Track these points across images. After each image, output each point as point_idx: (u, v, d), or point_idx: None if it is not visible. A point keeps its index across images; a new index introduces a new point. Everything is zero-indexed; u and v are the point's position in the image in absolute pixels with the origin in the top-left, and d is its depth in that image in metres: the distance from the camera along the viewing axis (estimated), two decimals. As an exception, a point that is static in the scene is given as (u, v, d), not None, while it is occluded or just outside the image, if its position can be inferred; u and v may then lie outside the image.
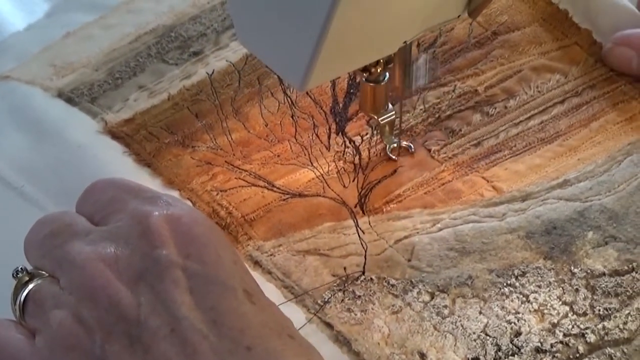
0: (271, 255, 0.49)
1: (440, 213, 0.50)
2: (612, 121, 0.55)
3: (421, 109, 0.56)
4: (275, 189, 0.52)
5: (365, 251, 0.48)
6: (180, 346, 0.37)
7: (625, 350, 0.43)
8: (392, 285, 0.47)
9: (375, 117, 0.50)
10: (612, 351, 0.43)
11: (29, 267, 0.43)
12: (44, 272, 0.42)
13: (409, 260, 0.48)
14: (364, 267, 0.48)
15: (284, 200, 0.52)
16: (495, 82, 0.58)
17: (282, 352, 0.38)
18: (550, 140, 0.54)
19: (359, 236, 0.49)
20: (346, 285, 0.47)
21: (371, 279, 0.47)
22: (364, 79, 0.48)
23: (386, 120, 0.51)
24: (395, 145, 0.52)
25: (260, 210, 0.51)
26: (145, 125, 0.57)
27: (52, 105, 0.59)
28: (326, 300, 0.46)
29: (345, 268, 0.47)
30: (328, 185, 0.52)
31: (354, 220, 0.50)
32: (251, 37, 0.44)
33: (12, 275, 0.42)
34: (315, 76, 0.40)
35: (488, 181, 0.52)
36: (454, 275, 0.47)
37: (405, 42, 0.44)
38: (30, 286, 0.41)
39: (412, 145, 0.52)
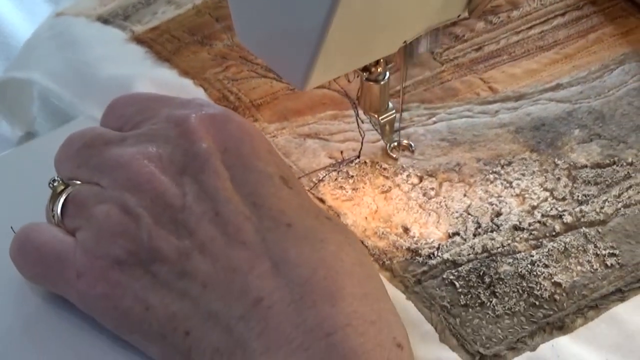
0: (274, 136, 0.51)
1: (437, 108, 0.53)
2: (609, 34, 0.57)
3: (427, 16, 0.59)
4: (283, 80, 0.55)
5: (363, 138, 0.51)
6: (224, 226, 0.40)
7: (599, 230, 0.45)
8: (384, 169, 0.49)
9: (376, 117, 0.51)
10: (587, 230, 0.45)
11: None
12: (78, 182, 0.43)
13: (403, 149, 0.51)
14: (359, 152, 0.50)
15: (290, 90, 0.54)
16: (502, -6, 0.60)
17: (320, 228, 0.40)
18: (548, 48, 0.56)
19: (358, 124, 0.51)
20: (341, 166, 0.49)
21: (365, 162, 0.50)
22: (364, 79, 0.49)
23: (387, 119, 0.51)
24: (395, 143, 0.52)
25: (268, 97, 0.54)
26: (168, 31, 0.60)
27: (88, 27, 0.62)
28: (321, 178, 0.49)
29: (342, 152, 0.50)
30: (334, 79, 0.54)
31: (354, 110, 0.52)
32: (251, 36, 0.45)
33: (48, 184, 0.43)
34: (316, 76, 0.41)
35: (485, 82, 0.54)
36: (443, 162, 0.49)
37: (405, 42, 0.45)
38: (69, 190, 0.43)
39: (412, 144, 0.52)
